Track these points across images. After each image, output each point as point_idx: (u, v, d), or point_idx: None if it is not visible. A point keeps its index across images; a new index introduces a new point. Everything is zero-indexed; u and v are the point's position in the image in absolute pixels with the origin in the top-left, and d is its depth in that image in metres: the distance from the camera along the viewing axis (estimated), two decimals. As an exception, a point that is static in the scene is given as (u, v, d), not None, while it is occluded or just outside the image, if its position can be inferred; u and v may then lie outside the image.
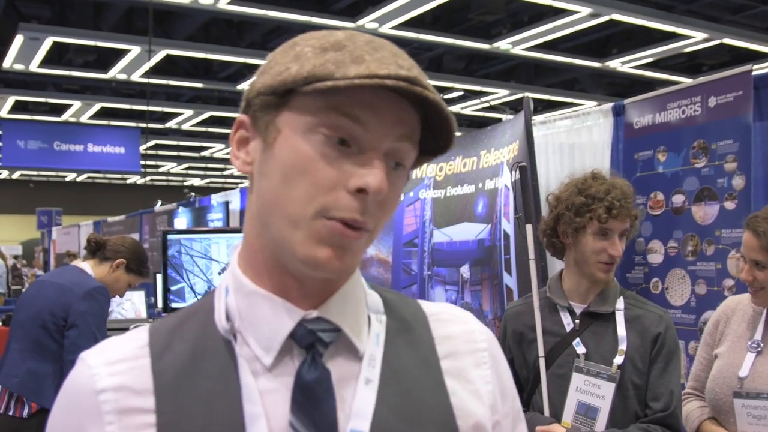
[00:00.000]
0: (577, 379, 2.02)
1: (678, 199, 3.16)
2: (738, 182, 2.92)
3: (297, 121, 0.70)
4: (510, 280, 3.43)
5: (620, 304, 2.07)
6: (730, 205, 2.95)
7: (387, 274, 4.61)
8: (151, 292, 6.57)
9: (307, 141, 0.70)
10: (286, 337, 0.72)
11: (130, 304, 5.65)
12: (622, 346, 2.00)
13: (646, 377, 2.00)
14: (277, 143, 0.71)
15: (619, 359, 1.99)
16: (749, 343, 2.09)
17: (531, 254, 2.46)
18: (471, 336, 0.84)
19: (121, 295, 3.29)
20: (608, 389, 1.97)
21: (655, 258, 3.24)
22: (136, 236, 6.39)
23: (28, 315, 2.94)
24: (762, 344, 2.07)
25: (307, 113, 0.70)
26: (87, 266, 3.09)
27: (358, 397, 0.73)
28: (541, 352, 2.09)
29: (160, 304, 5.85)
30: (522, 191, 2.61)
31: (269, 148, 0.72)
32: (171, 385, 0.72)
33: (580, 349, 2.03)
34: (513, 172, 2.99)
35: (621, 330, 2.02)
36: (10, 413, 2.86)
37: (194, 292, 5.38)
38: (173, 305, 5.37)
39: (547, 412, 2.07)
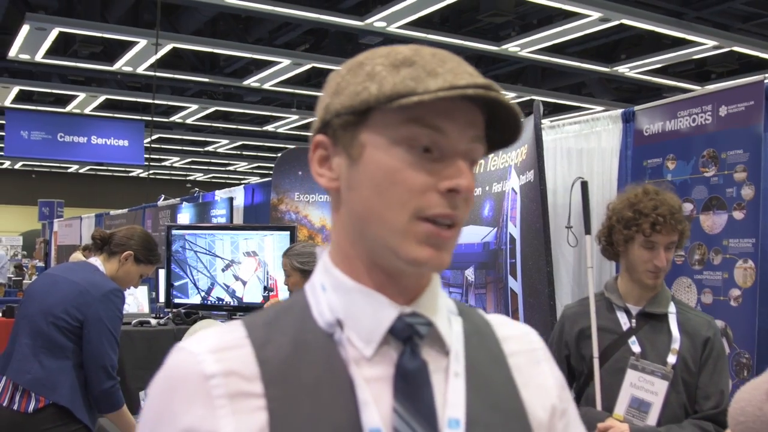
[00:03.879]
0: (631, 375, 2.19)
1: (686, 208, 3.14)
2: (747, 192, 2.91)
3: (380, 136, 0.76)
4: (515, 284, 3.42)
5: (672, 308, 2.25)
6: (738, 215, 2.94)
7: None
8: (153, 287, 6.56)
9: (393, 153, 0.76)
10: (387, 329, 0.78)
11: (133, 299, 5.64)
12: (675, 346, 2.18)
13: (697, 377, 2.17)
14: (363, 158, 0.77)
15: (672, 358, 2.17)
16: None
17: (589, 263, 2.61)
18: (528, 337, 0.91)
19: (135, 286, 3.27)
20: (662, 386, 2.14)
21: (662, 266, 3.23)
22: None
23: (39, 310, 2.91)
24: None
25: (389, 127, 0.76)
26: (99, 263, 3.05)
27: (450, 388, 0.79)
28: (595, 353, 2.26)
29: (162, 299, 5.84)
30: (583, 206, 2.75)
31: (355, 163, 0.78)
32: (277, 373, 0.75)
33: (636, 348, 2.21)
34: (571, 187, 3.13)
35: (675, 331, 2.20)
36: (15, 407, 2.83)
37: (197, 288, 5.37)
38: (176, 300, 5.37)
39: (599, 406, 2.24)
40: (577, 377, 2.35)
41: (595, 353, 2.26)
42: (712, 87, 3.35)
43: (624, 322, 2.26)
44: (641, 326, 2.24)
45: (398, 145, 0.75)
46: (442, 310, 0.83)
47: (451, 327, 0.84)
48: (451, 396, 0.78)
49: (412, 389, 0.76)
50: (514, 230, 3.40)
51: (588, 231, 2.68)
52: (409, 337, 0.78)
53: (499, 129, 0.81)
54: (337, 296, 0.80)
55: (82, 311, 2.86)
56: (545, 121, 3.83)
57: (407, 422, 0.75)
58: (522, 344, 0.90)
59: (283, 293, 4.86)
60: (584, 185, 2.79)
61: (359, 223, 0.78)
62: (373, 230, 0.77)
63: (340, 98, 0.78)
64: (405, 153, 0.75)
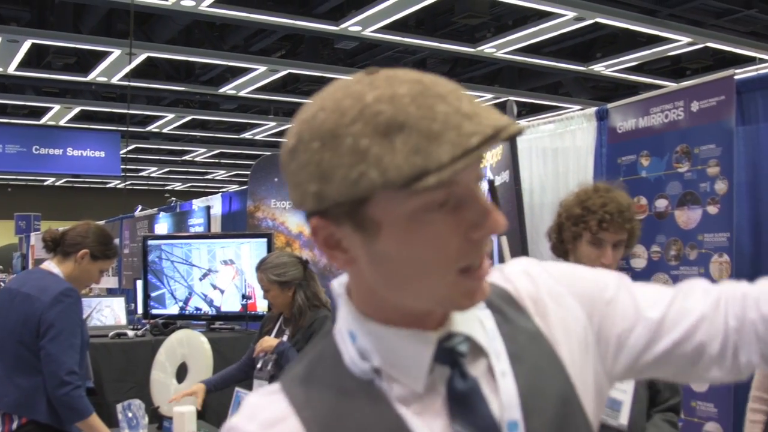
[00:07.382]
0: None
1: (661, 204, 3.15)
2: (721, 186, 2.92)
3: (395, 212, 0.70)
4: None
5: None
6: (712, 209, 2.95)
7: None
8: (131, 299, 6.49)
9: (417, 227, 0.70)
10: (430, 360, 0.77)
11: (110, 310, 5.56)
12: None
13: None
14: (383, 236, 0.71)
15: None
16: None
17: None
18: (526, 275, 0.88)
19: (97, 282, 3.13)
20: (629, 384, 2.12)
21: (638, 263, 3.23)
22: (116, 242, 6.34)
23: (3, 329, 2.84)
24: None
25: (400, 201, 0.69)
26: (53, 265, 2.93)
27: (502, 391, 0.78)
28: None
29: (140, 310, 5.78)
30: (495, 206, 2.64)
31: (373, 240, 0.72)
32: (324, 428, 0.75)
33: None
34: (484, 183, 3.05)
35: None
36: None
37: (175, 298, 5.31)
38: (153, 311, 5.30)
39: None
40: None
41: None
42: (684, 83, 3.37)
43: None
44: None
45: (415, 216, 0.70)
46: (470, 316, 0.81)
47: (484, 327, 0.81)
48: (504, 398, 0.77)
49: (469, 408, 0.76)
50: (490, 231, 3.39)
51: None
52: (453, 360, 0.77)
53: None
54: (371, 342, 0.78)
55: (37, 320, 2.76)
56: (520, 121, 3.83)
57: None
58: (529, 286, 0.87)
59: (262, 304, 4.82)
60: (490, 183, 2.70)
61: (392, 287, 0.75)
62: (412, 292, 0.74)
63: (332, 186, 0.69)
64: (427, 221, 0.70)
